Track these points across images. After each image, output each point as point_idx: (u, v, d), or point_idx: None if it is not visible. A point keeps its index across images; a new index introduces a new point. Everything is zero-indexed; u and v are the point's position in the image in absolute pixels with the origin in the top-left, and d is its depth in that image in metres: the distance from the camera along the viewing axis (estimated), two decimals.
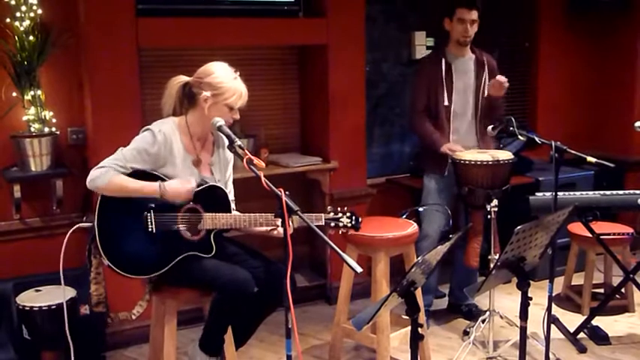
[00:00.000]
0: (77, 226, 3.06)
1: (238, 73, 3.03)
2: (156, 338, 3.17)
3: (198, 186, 2.96)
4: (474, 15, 4.11)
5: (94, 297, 3.05)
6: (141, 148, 2.90)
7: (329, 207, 3.10)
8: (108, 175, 2.84)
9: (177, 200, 2.90)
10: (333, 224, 3.05)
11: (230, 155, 3.12)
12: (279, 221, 2.74)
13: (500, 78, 4.00)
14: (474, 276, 4.35)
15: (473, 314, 4.31)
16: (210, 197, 2.98)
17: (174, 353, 3.03)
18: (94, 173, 2.86)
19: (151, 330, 3.22)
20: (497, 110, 4.20)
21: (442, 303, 4.59)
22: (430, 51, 4.75)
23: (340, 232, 3.08)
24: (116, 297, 3.60)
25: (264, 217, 2.97)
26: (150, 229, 2.90)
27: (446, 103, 4.13)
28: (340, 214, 3.07)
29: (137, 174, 2.90)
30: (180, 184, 2.90)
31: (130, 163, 2.88)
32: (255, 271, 2.99)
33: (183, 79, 3.03)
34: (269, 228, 3.03)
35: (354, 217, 3.08)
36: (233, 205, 3.17)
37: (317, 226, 2.93)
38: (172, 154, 2.95)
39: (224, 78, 2.97)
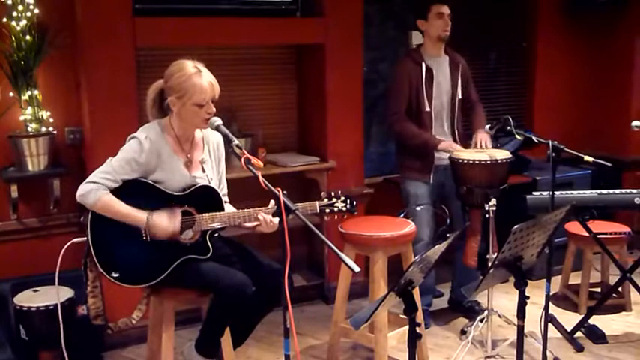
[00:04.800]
0: (71, 242, 3.05)
1: (202, 64, 2.92)
2: (153, 339, 3.17)
3: (188, 188, 2.96)
4: (447, 9, 4.13)
5: (92, 310, 3.04)
6: (129, 158, 2.87)
7: (323, 193, 3.07)
8: (98, 193, 2.81)
9: (160, 236, 2.86)
10: (328, 210, 3.03)
11: (222, 150, 3.11)
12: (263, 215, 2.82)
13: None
14: (474, 275, 4.36)
15: (475, 311, 4.30)
16: (201, 198, 2.96)
17: (171, 353, 3.02)
18: (84, 188, 2.83)
19: (148, 330, 3.22)
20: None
21: (441, 302, 4.60)
22: (405, 54, 4.67)
23: (336, 218, 3.07)
24: (114, 303, 3.60)
25: (257, 212, 2.96)
26: (144, 237, 2.89)
27: (427, 109, 4.14)
28: (334, 200, 3.04)
29: (128, 185, 2.87)
30: (168, 221, 2.86)
31: (120, 175, 2.85)
32: (252, 271, 2.98)
33: (158, 85, 3.00)
34: (257, 223, 2.99)
35: (348, 201, 3.05)
36: (226, 199, 3.17)
37: (313, 216, 2.95)
38: (161, 159, 2.92)
39: (183, 77, 2.86)
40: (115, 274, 2.88)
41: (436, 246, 2.43)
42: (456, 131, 4.27)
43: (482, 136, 4.12)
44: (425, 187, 4.20)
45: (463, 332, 4.13)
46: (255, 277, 2.95)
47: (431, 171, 4.16)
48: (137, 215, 2.85)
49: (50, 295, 3.54)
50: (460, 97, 4.27)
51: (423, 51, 4.21)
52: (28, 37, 3.70)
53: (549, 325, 3.71)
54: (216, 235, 3.03)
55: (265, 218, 2.90)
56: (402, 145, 4.29)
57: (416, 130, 4.13)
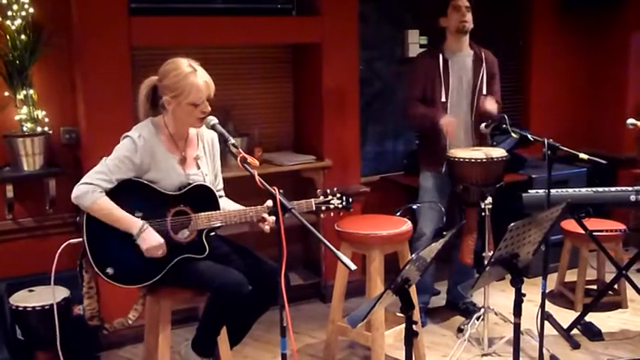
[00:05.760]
0: (67, 242, 3.04)
1: (197, 63, 2.90)
2: (150, 338, 3.16)
3: (183, 187, 2.95)
4: (465, 1, 4.15)
5: (87, 311, 3.04)
6: (123, 157, 2.85)
7: (318, 190, 3.07)
8: (94, 195, 2.80)
9: (144, 250, 2.84)
10: (324, 208, 3.03)
11: (217, 145, 3.10)
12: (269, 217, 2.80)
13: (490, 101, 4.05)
14: (471, 274, 4.36)
15: (470, 312, 4.31)
16: (196, 196, 2.96)
17: (168, 353, 3.02)
18: (79, 189, 2.81)
19: (145, 330, 3.21)
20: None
21: (438, 301, 4.60)
22: (425, 49, 4.74)
23: (332, 215, 3.08)
24: (110, 304, 3.59)
25: (254, 211, 2.96)
26: None
27: (443, 99, 4.13)
28: (330, 197, 3.04)
29: (124, 185, 2.86)
30: (159, 244, 2.84)
31: (115, 175, 2.84)
32: (248, 270, 2.98)
33: (151, 82, 2.97)
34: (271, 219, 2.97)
35: (344, 198, 3.06)
36: (222, 193, 3.17)
37: (309, 214, 2.94)
38: (155, 158, 2.91)
39: (178, 77, 2.84)
40: (111, 275, 2.87)
41: (432, 244, 2.43)
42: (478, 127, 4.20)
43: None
44: (435, 181, 4.20)
45: (460, 330, 4.13)
46: (251, 276, 2.95)
47: (443, 162, 4.11)
48: (131, 222, 2.83)
49: (46, 295, 3.54)
50: (485, 92, 4.21)
51: (445, 46, 4.21)
52: (23, 37, 3.69)
53: (546, 322, 3.71)
54: (212, 234, 3.03)
55: (269, 220, 2.88)
56: (421, 138, 4.34)
57: (425, 109, 4.14)
